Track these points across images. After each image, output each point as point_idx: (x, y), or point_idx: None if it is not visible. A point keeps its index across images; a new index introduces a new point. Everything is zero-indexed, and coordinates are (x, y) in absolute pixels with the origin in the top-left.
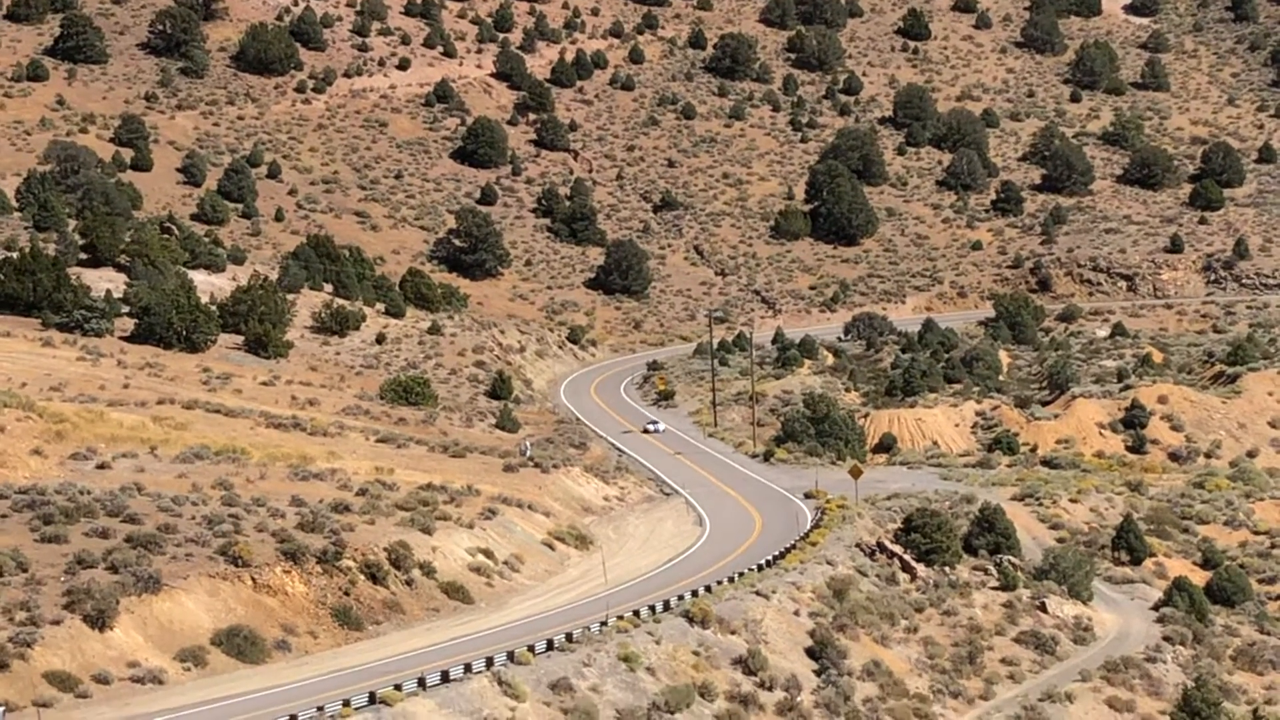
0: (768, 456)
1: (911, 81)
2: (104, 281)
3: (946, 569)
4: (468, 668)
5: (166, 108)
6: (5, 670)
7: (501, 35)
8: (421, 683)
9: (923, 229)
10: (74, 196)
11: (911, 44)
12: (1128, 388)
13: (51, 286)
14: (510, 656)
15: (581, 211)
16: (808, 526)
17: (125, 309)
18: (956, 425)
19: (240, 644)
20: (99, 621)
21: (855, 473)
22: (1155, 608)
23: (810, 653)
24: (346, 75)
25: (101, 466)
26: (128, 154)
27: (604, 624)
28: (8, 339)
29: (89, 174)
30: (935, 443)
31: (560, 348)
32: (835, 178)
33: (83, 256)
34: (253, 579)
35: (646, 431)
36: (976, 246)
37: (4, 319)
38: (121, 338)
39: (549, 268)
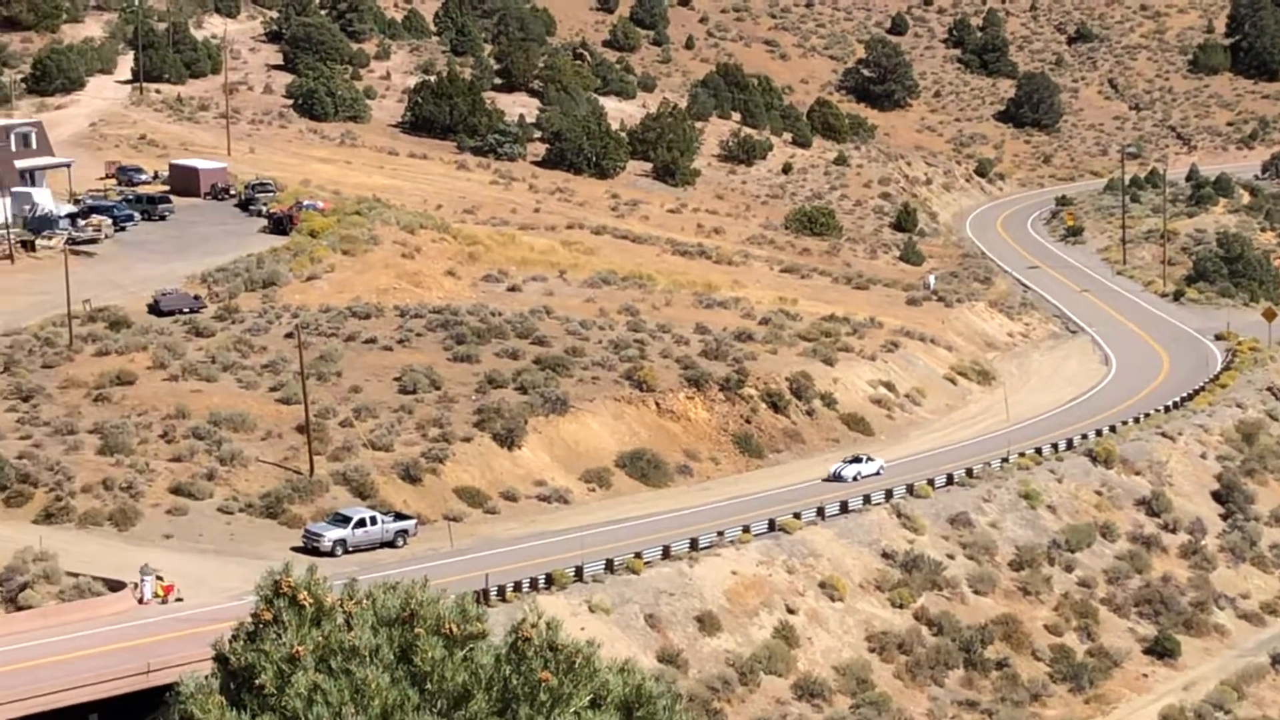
0: (1177, 296)
1: None
2: (517, 106)
3: None
4: (867, 499)
5: None
6: (418, 485)
7: None
8: (820, 512)
9: None
10: (490, 21)
11: None
12: None
13: (467, 110)
14: (909, 489)
15: (993, 43)
16: (1217, 369)
17: (537, 134)
18: None
19: (643, 467)
20: (508, 440)
21: (1269, 315)
22: None
23: (1216, 496)
24: None
25: (512, 289)
26: None
27: (1005, 460)
28: (424, 161)
29: None
30: None
31: (967, 181)
32: (1259, 10)
33: (497, 81)
34: (657, 404)
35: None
36: None
37: (421, 141)
38: (533, 162)
39: (958, 99)
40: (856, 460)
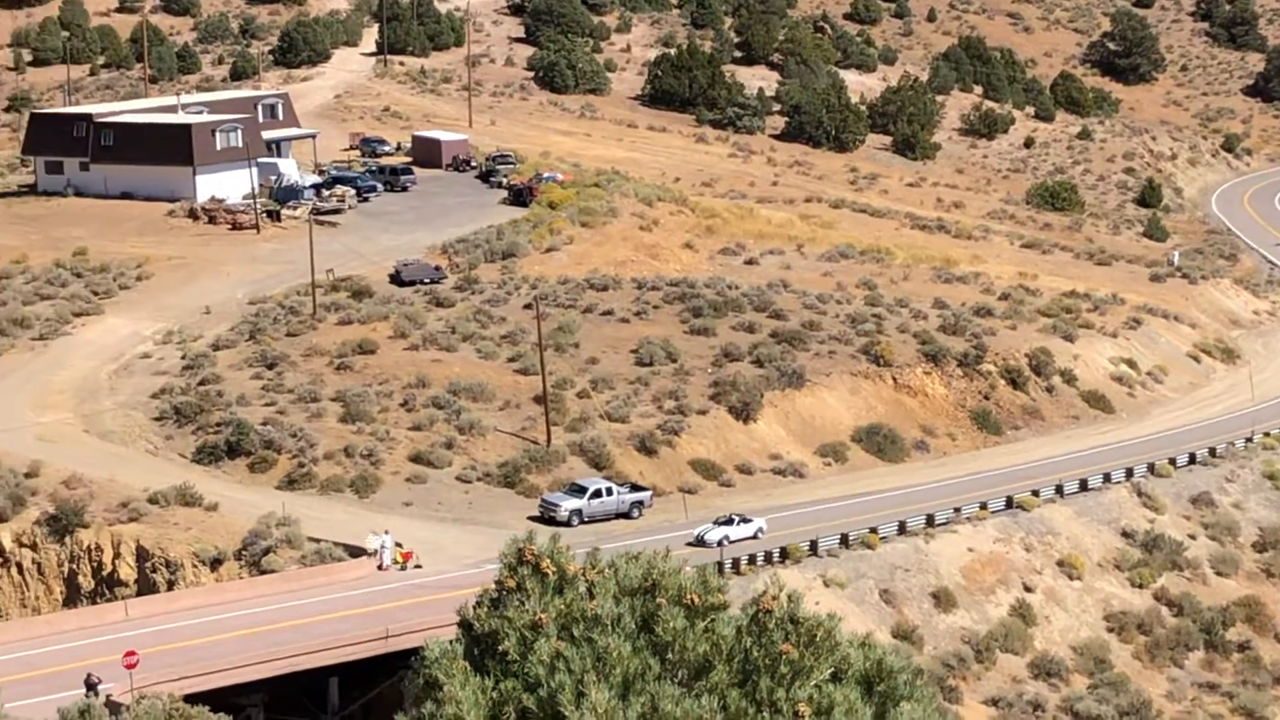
0: None
1: None
2: (756, 79)
3: None
4: (1107, 477)
5: None
6: (653, 456)
7: None
8: (1059, 490)
9: None
10: None
11: None
12: None
13: (706, 83)
14: (1150, 468)
15: (1242, 16)
16: None
17: (776, 107)
18: None
19: (880, 442)
20: (743, 413)
21: None
22: None
23: None
24: None
25: (749, 262)
26: None
27: (1249, 440)
28: (663, 134)
29: None
30: None
31: (1213, 156)
32: None
33: (737, 54)
34: (894, 379)
35: (701, 543)
36: None
37: (660, 114)
38: (772, 135)
39: (1205, 73)
40: (728, 522)
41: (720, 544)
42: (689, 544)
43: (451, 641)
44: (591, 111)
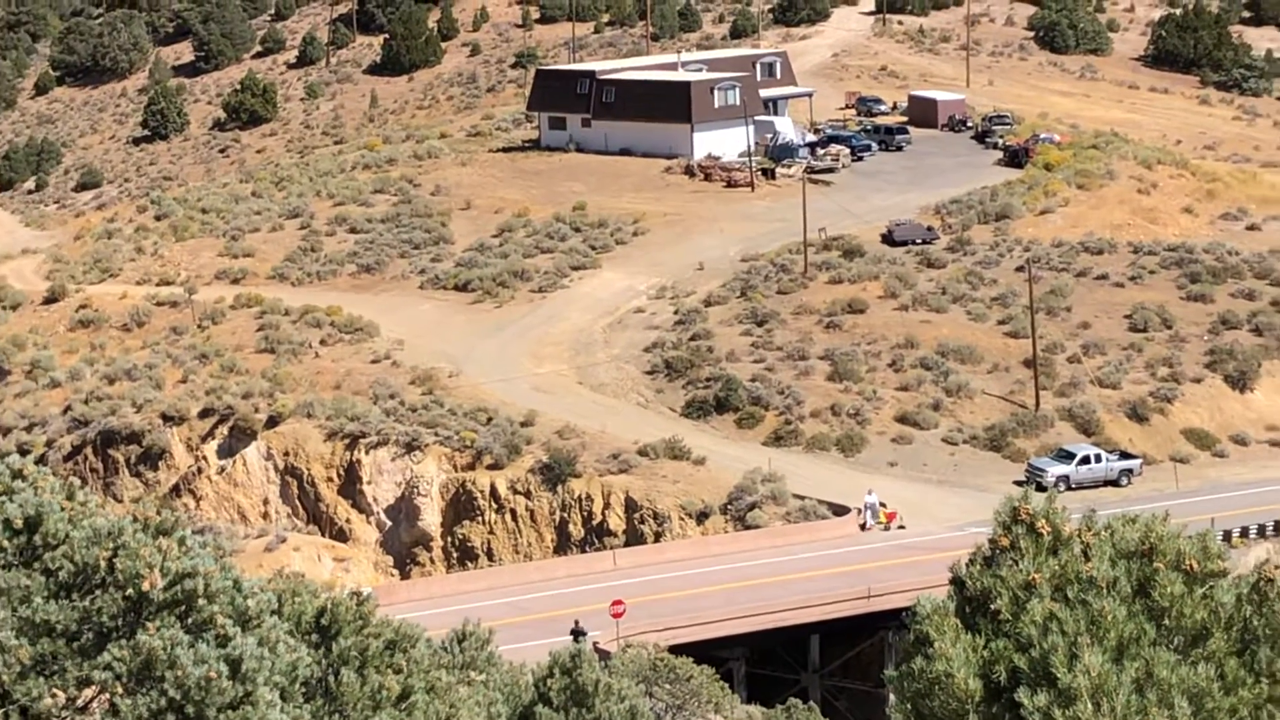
0: None
1: None
2: (1265, 40)
3: None
4: None
5: None
6: (1144, 424)
7: None
8: None
9: None
10: None
11: None
12: None
13: (1212, 44)
14: None
15: None
16: None
17: None
18: None
19: None
20: (1239, 383)
21: None
22: None
23: None
24: None
25: (1251, 228)
26: None
27: None
28: (1165, 95)
29: None
30: None
31: None
32: None
33: (1245, 14)
34: None
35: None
36: None
37: (1163, 75)
38: (1279, 99)
39: None
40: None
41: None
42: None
43: (944, 599)
44: (1091, 72)
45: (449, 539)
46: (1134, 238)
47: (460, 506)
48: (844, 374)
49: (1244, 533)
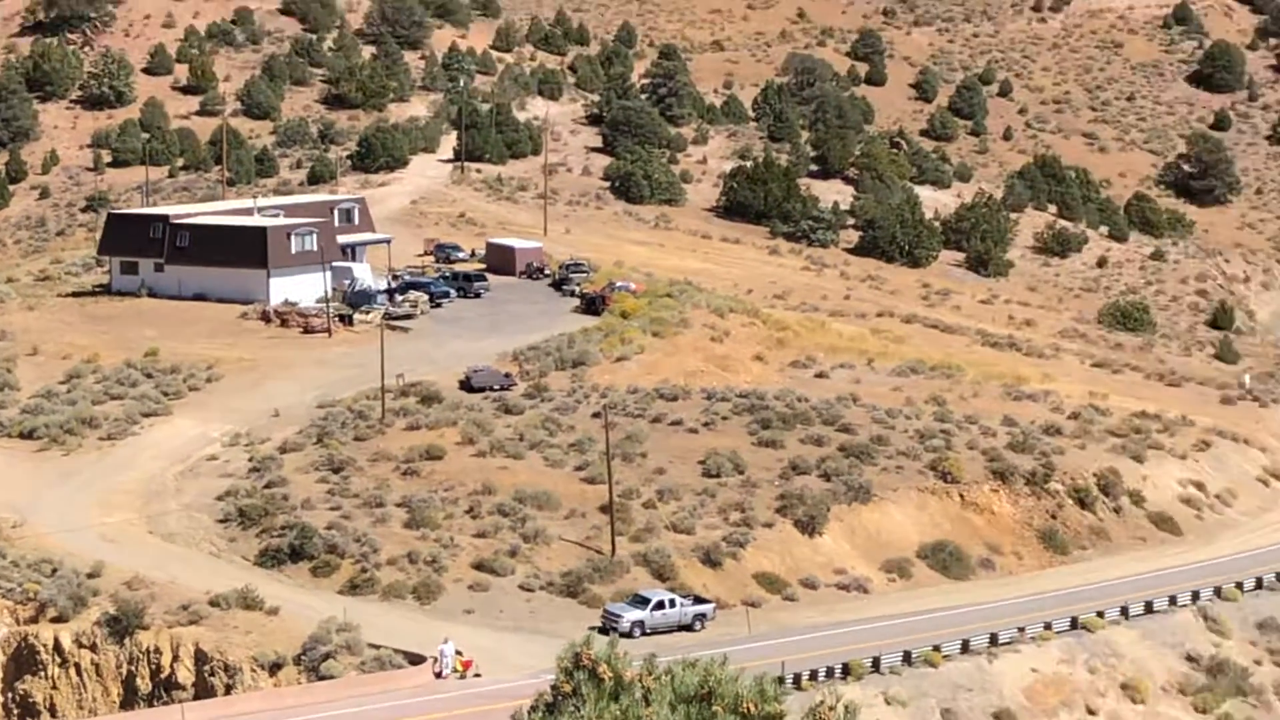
0: None
1: None
2: (832, 193)
3: None
4: (1172, 600)
5: (903, 23)
6: (718, 569)
7: None
8: (1124, 611)
9: None
10: (808, 108)
11: None
12: None
13: (782, 196)
14: (1217, 592)
15: None
16: None
17: (851, 221)
18: None
19: (945, 559)
20: (809, 527)
21: None
22: None
23: None
24: None
25: (820, 375)
26: (862, 68)
27: None
28: (737, 245)
29: (824, 87)
30: None
31: None
32: None
33: (813, 168)
34: (961, 495)
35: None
36: None
37: (735, 226)
38: (845, 249)
39: None
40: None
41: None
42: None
43: None
44: (666, 222)
45: (9, 695)
46: (707, 384)
47: (22, 661)
48: (421, 521)
49: (814, 675)
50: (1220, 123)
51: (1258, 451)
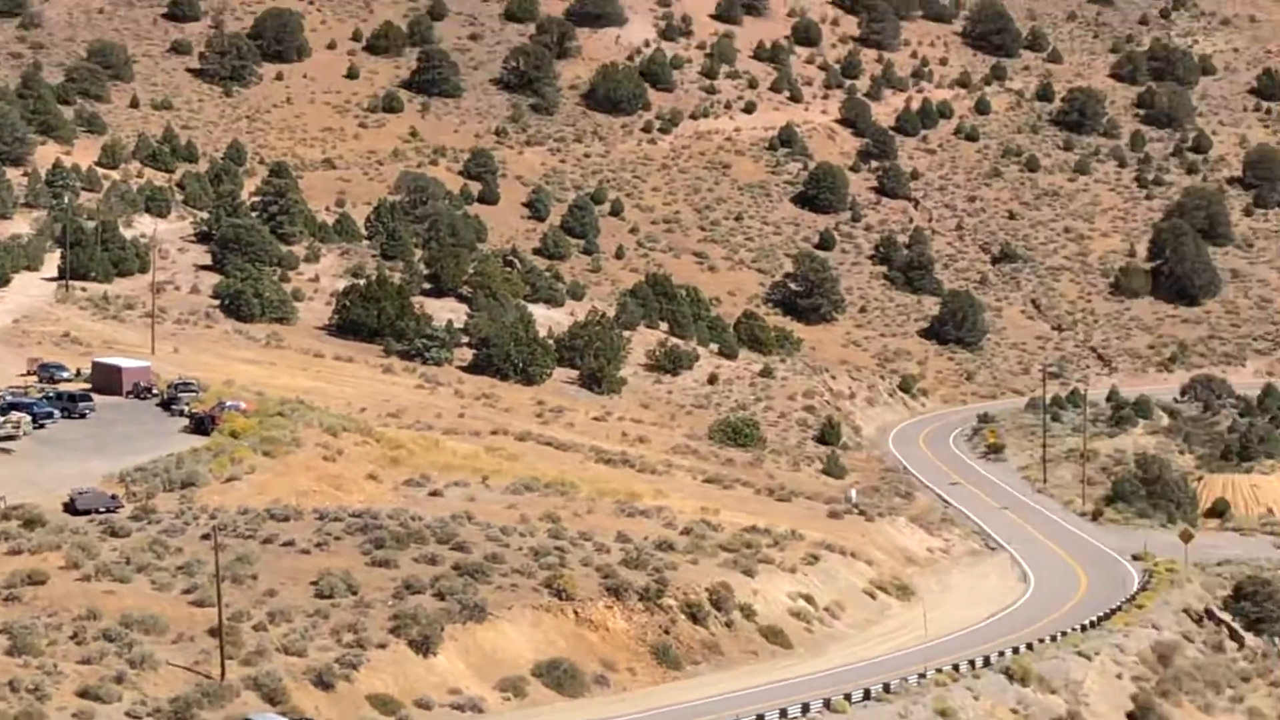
0: (1096, 516)
1: (1263, 142)
2: (446, 311)
3: (1276, 639)
4: (783, 713)
5: (516, 143)
6: (331, 691)
7: (849, 82)
8: None
9: (1268, 292)
10: (421, 227)
11: (1265, 104)
12: None
13: (395, 314)
14: (827, 704)
15: (919, 260)
16: (1134, 589)
17: (465, 339)
18: None
19: (560, 676)
20: (424, 647)
21: (1185, 537)
22: None
23: (1131, 717)
24: (693, 117)
25: (434, 494)
26: (475, 187)
27: (922, 676)
28: (350, 364)
29: (437, 205)
30: (1270, 510)
31: (890, 396)
32: (1180, 236)
33: (426, 286)
34: (575, 612)
35: None
36: None
37: (348, 344)
38: (460, 367)
39: (883, 315)
40: None
41: None
42: None
43: None
44: (278, 340)
45: None
46: (320, 504)
47: None
48: (23, 648)
49: None
50: (825, 242)
51: (864, 564)
